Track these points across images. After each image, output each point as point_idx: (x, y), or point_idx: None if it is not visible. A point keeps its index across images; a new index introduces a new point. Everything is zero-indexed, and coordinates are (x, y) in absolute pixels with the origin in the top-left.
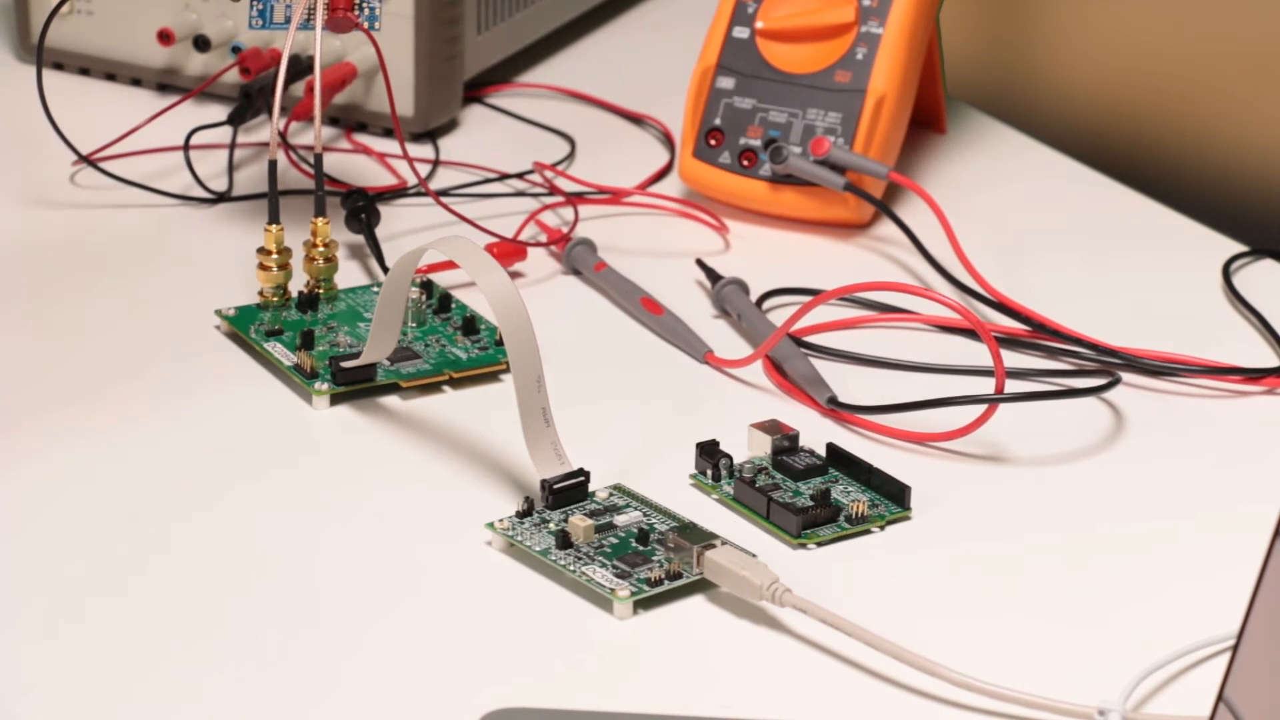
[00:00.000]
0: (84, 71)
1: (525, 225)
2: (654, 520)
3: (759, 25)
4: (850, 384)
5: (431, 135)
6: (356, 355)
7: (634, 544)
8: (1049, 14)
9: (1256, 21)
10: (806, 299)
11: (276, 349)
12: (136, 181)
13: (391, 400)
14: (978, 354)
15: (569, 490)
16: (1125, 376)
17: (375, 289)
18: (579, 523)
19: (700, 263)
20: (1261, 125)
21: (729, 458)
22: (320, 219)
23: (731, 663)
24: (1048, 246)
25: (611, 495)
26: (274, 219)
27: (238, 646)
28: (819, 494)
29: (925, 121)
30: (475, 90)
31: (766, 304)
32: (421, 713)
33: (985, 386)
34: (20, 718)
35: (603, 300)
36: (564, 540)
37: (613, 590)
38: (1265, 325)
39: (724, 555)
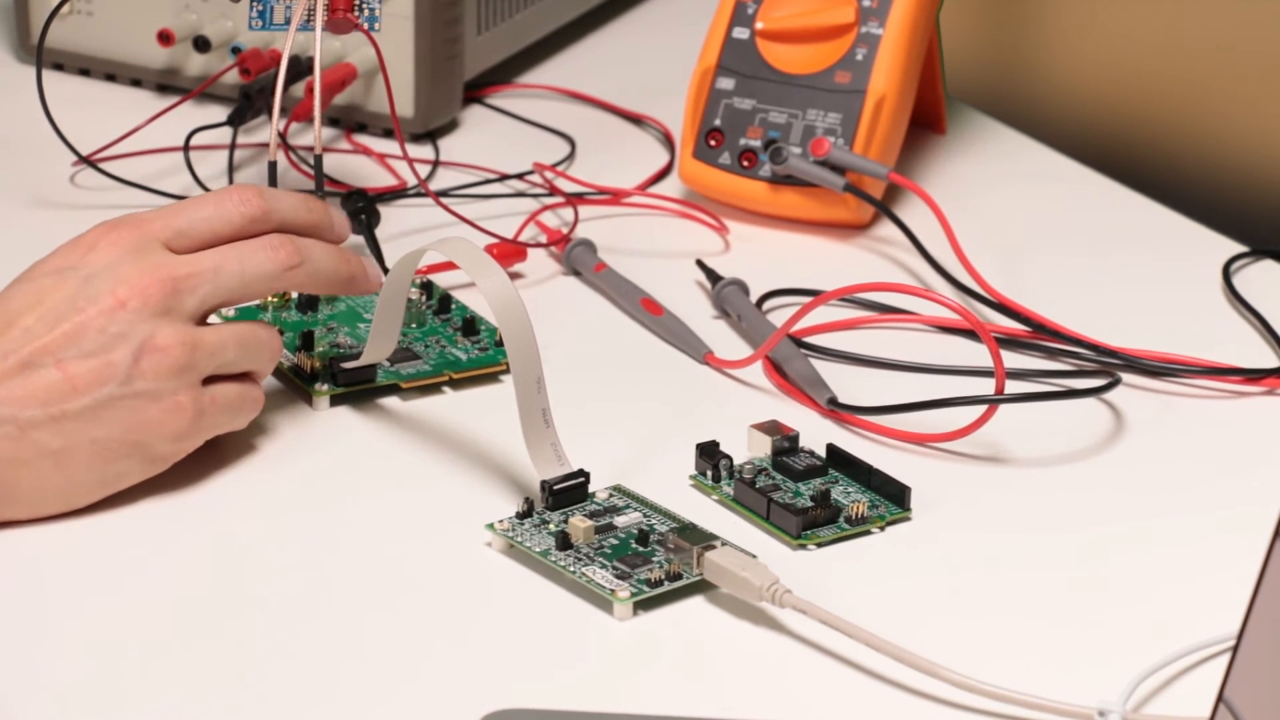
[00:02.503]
0: (84, 72)
1: (525, 226)
2: (654, 521)
3: (759, 26)
4: (850, 384)
5: (431, 136)
6: (357, 356)
7: (634, 545)
8: (1049, 14)
9: (1256, 21)
10: (806, 300)
11: None
12: (136, 182)
13: (391, 401)
14: (978, 354)
15: (569, 491)
16: (1125, 377)
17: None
18: (579, 524)
19: (700, 263)
20: (1261, 125)
21: (729, 458)
22: None
23: (731, 664)
24: (1048, 246)
25: (611, 496)
26: None
27: (237, 647)
28: (819, 495)
29: (925, 122)
30: (475, 90)
31: (766, 305)
32: (422, 713)
33: (985, 387)
34: (20, 718)
35: (603, 301)
36: (564, 541)
37: (613, 591)
38: (1265, 325)
39: (724, 556)
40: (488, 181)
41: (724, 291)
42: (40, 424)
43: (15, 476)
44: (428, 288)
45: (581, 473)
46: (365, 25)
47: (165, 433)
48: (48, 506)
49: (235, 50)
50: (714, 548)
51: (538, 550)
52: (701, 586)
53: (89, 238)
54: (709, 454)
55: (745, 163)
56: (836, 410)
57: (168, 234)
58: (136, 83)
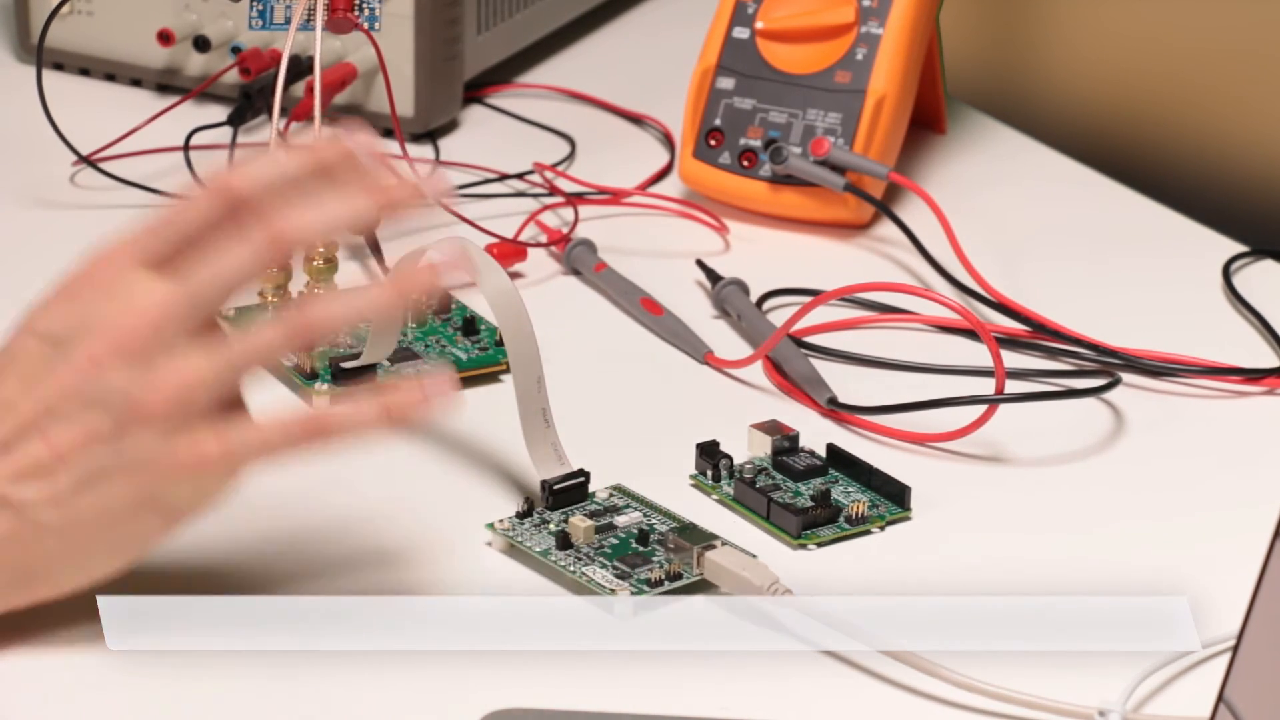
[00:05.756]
0: (84, 71)
1: (525, 226)
2: (654, 521)
3: (759, 25)
4: (850, 384)
5: (431, 135)
6: (357, 356)
7: (634, 545)
8: (1049, 14)
9: (1256, 21)
10: (806, 299)
11: None
12: (136, 182)
13: None
14: (978, 354)
15: (569, 491)
16: (1125, 377)
17: None
18: (579, 523)
19: (700, 263)
20: (1261, 125)
21: (729, 458)
22: None
23: (731, 664)
24: (1048, 246)
25: (611, 496)
26: None
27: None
28: (819, 494)
29: (925, 121)
30: (475, 90)
31: (766, 304)
32: (422, 713)
33: (985, 387)
34: (17, 715)
35: (603, 301)
36: (564, 541)
37: (613, 591)
38: (1265, 325)
39: (724, 556)
40: (488, 181)
41: (724, 291)
42: (37, 503)
43: (26, 557)
44: None
45: (581, 472)
46: (365, 25)
47: (177, 486)
48: (68, 583)
49: (235, 50)
50: (714, 547)
51: (538, 550)
52: (701, 586)
53: (72, 287)
54: (709, 454)
55: (745, 162)
56: (836, 410)
57: (144, 257)
58: (136, 83)
